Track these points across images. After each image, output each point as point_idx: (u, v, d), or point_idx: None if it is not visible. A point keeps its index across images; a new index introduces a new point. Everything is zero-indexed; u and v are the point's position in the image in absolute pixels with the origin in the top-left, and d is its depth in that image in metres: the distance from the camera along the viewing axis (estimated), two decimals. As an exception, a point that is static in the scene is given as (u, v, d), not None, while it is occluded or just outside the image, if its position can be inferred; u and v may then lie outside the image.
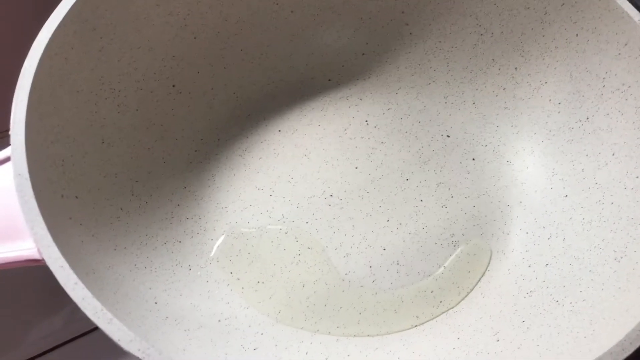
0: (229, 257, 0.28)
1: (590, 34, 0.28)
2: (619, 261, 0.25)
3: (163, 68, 0.29)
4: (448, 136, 0.32)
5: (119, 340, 0.19)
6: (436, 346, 0.26)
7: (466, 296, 0.28)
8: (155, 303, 0.24)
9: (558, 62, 0.30)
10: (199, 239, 0.28)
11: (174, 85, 0.30)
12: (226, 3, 0.30)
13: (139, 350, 0.19)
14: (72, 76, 0.25)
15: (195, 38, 0.30)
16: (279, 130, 0.32)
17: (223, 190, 0.30)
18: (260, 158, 0.31)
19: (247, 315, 0.26)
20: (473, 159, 0.31)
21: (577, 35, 0.29)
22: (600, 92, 0.28)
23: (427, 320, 0.27)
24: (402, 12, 0.32)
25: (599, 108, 0.28)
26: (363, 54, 0.33)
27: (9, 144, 0.22)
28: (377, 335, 0.27)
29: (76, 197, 0.24)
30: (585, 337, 0.22)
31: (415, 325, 0.27)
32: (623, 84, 0.27)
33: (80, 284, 0.19)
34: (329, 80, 0.33)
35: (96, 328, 0.33)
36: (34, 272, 0.33)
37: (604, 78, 0.28)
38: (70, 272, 0.19)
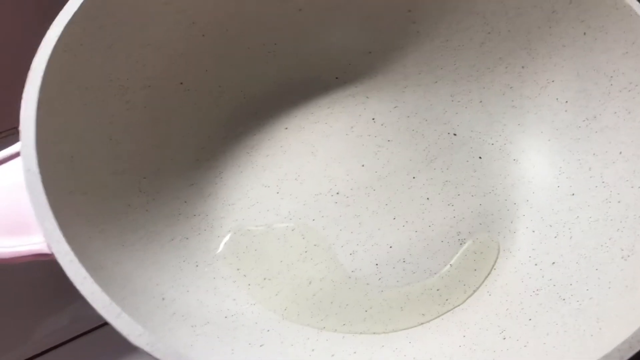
0: (236, 254, 0.28)
1: (597, 32, 0.28)
2: (625, 259, 0.25)
3: (171, 66, 0.30)
4: (455, 134, 0.32)
5: (127, 334, 0.19)
6: (442, 344, 0.26)
7: (472, 294, 0.28)
8: (163, 299, 0.24)
9: (565, 60, 0.30)
10: (205, 235, 0.29)
11: (181, 83, 0.30)
12: (234, 1, 0.30)
13: (147, 344, 0.19)
14: (80, 73, 0.25)
15: (203, 36, 0.30)
16: (286, 128, 0.32)
17: (230, 187, 0.30)
18: (267, 155, 0.31)
19: (253, 311, 0.27)
20: (480, 157, 0.31)
21: (584, 33, 0.29)
22: (608, 91, 0.28)
23: (434, 318, 0.27)
24: (409, 11, 0.32)
25: (606, 106, 0.28)
26: (370, 52, 0.33)
27: (16, 141, 0.22)
28: (383, 332, 0.27)
29: (84, 194, 0.24)
30: (592, 335, 0.22)
31: (422, 323, 0.27)
32: (630, 83, 0.27)
33: (90, 279, 0.19)
34: (336, 78, 0.33)
35: (101, 326, 0.33)
36: (40, 269, 0.33)
37: (611, 76, 0.28)
38: (80, 266, 0.19)
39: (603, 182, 0.28)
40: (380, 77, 0.33)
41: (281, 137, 0.32)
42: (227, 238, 0.29)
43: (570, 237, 0.27)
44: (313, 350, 0.25)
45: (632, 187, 0.26)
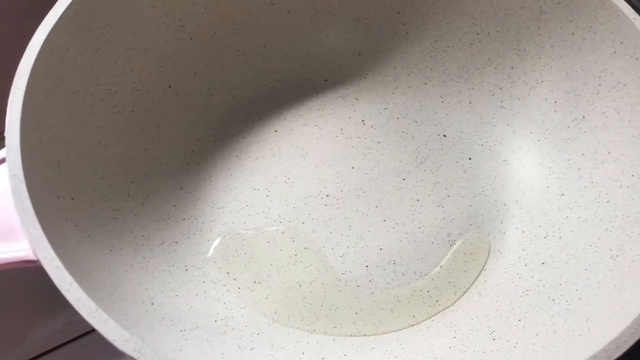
0: (226, 257, 0.28)
1: (585, 33, 0.28)
2: (614, 259, 0.25)
3: (159, 69, 0.30)
4: (444, 136, 0.32)
5: (114, 340, 0.19)
6: (433, 345, 0.26)
7: (462, 295, 0.28)
8: (152, 304, 0.24)
9: (554, 60, 0.30)
10: (195, 239, 0.28)
11: (170, 86, 0.30)
12: (222, 4, 0.30)
13: (134, 350, 0.19)
14: (67, 77, 0.25)
15: (191, 39, 0.30)
16: (276, 131, 0.32)
17: (219, 190, 0.30)
18: (257, 158, 0.31)
19: (243, 315, 0.26)
20: (469, 158, 0.31)
21: (572, 33, 0.29)
22: (596, 91, 0.28)
23: (424, 319, 0.27)
24: (398, 12, 0.32)
25: (594, 107, 0.28)
26: (359, 53, 0.33)
27: (4, 146, 0.22)
28: (374, 334, 0.27)
29: (72, 199, 0.24)
30: (581, 335, 0.22)
31: (412, 325, 0.27)
32: (619, 82, 0.27)
33: (75, 285, 0.19)
34: (326, 80, 0.33)
35: (94, 330, 0.33)
36: (34, 273, 0.33)
37: (599, 76, 0.28)
38: (66, 272, 0.19)
39: (592, 182, 0.28)
40: (369, 78, 0.33)
41: (271, 140, 0.32)
42: (216, 242, 0.29)
43: (560, 238, 0.27)
44: (303, 353, 0.25)
45: (620, 187, 0.26)
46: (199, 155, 0.30)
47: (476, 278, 0.28)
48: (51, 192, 0.23)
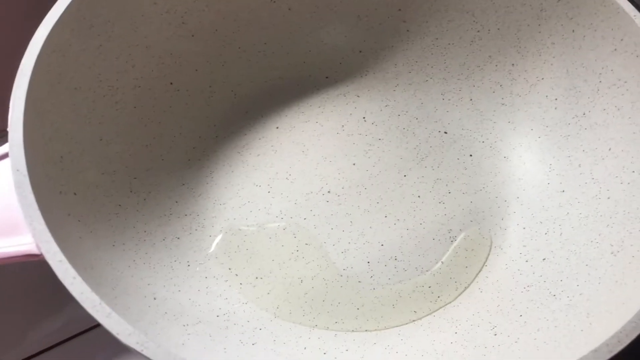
0: (228, 253, 0.28)
1: (586, 30, 0.28)
2: (615, 255, 0.25)
3: (161, 66, 0.30)
4: (445, 132, 0.32)
5: (117, 333, 0.19)
6: (434, 341, 0.26)
7: (464, 291, 0.28)
8: (154, 299, 0.24)
9: (554, 58, 0.30)
10: (197, 235, 0.29)
11: (171, 83, 0.30)
12: (224, 1, 0.30)
13: (137, 343, 0.19)
14: (69, 73, 0.25)
15: (192, 36, 0.30)
16: (277, 127, 0.32)
17: (221, 187, 0.30)
18: (258, 155, 0.31)
19: (245, 310, 0.27)
20: (470, 155, 0.32)
21: (573, 31, 0.29)
22: (597, 88, 0.28)
23: (425, 315, 0.27)
24: (399, 10, 0.32)
25: (595, 103, 0.28)
26: (360, 51, 0.33)
27: (7, 142, 0.22)
28: (375, 330, 0.27)
29: (74, 194, 0.24)
30: (582, 330, 0.23)
31: (413, 320, 0.27)
32: (619, 79, 0.27)
33: (79, 278, 0.19)
34: (327, 77, 0.33)
35: (97, 326, 0.33)
36: (36, 270, 0.33)
37: (600, 74, 0.28)
38: (69, 266, 0.19)
39: (593, 178, 0.28)
40: (370, 76, 0.33)
41: (272, 137, 0.32)
42: (218, 238, 0.29)
43: (561, 234, 0.28)
44: (305, 348, 0.25)
45: (621, 183, 0.26)
46: (201, 152, 0.30)
47: (477, 274, 0.28)
48: (54, 187, 0.23)
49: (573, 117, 0.29)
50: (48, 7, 0.25)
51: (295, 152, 0.31)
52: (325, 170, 0.31)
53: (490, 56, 0.32)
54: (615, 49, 0.27)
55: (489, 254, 0.29)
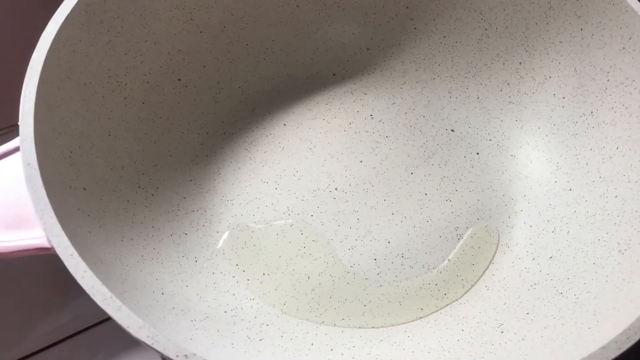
0: (235, 249, 0.28)
1: (594, 28, 0.28)
2: (622, 253, 0.25)
3: (169, 62, 0.30)
4: (452, 130, 0.32)
5: (128, 327, 0.19)
6: (441, 338, 0.26)
7: (470, 289, 0.28)
8: (162, 293, 0.24)
9: (562, 56, 0.30)
10: (204, 231, 0.29)
11: (179, 79, 0.30)
12: (232, -2, 0.31)
13: (148, 337, 0.19)
14: (79, 69, 0.25)
15: (201, 32, 0.30)
16: (284, 124, 0.32)
17: (228, 183, 0.30)
18: (266, 152, 0.31)
19: (252, 306, 0.27)
20: (477, 153, 0.32)
21: (581, 29, 0.29)
22: (605, 86, 0.28)
23: (432, 312, 0.27)
24: (407, 7, 0.32)
25: (603, 102, 0.28)
26: (368, 48, 0.33)
27: (13, 138, 0.22)
28: (382, 327, 0.27)
29: (84, 189, 0.24)
30: (589, 327, 0.23)
31: (420, 317, 0.27)
32: (627, 78, 0.27)
33: (90, 272, 0.19)
34: (334, 74, 0.33)
35: (100, 323, 0.33)
36: (40, 267, 0.33)
37: (608, 72, 0.28)
38: (80, 260, 0.19)
39: (600, 177, 0.28)
40: (378, 73, 0.33)
41: (279, 134, 0.32)
42: (226, 234, 0.29)
43: (568, 232, 0.28)
44: (312, 344, 0.25)
45: (629, 181, 0.26)
46: (208, 148, 0.31)
47: (484, 272, 0.28)
48: (63, 182, 0.23)
49: (581, 116, 0.29)
50: (58, 2, 0.25)
51: (303, 149, 0.31)
52: (332, 167, 0.31)
53: (497, 54, 0.32)
54: (624, 48, 0.27)
55: (495, 252, 0.29)
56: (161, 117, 0.29)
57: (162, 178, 0.29)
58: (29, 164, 0.21)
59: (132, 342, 0.32)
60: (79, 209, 0.23)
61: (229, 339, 0.24)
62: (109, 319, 0.32)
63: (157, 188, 0.28)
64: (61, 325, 0.33)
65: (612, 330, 0.21)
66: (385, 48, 0.33)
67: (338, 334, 0.26)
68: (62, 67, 0.24)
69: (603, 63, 0.28)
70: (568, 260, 0.27)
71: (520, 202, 0.30)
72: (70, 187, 0.24)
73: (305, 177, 0.30)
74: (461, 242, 0.29)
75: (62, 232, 0.20)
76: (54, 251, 0.20)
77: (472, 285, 0.28)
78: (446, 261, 0.29)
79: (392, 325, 0.27)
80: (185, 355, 0.19)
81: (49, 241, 0.20)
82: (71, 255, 0.20)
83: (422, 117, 0.32)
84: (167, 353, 0.19)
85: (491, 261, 0.29)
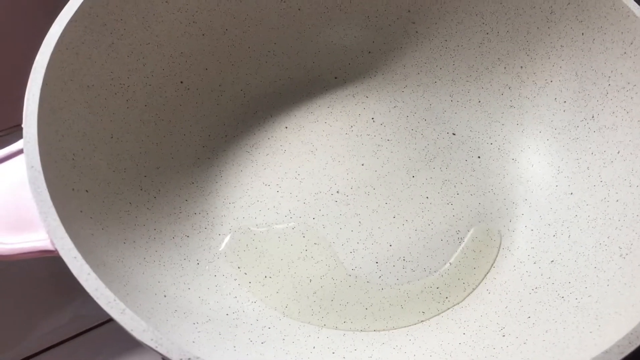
0: (237, 252, 0.28)
1: (595, 33, 0.28)
2: (624, 258, 0.25)
3: (171, 64, 0.30)
4: (454, 134, 0.32)
5: (132, 330, 0.19)
6: (442, 341, 0.26)
7: (472, 292, 0.28)
8: (165, 296, 0.24)
9: (563, 61, 0.30)
10: (206, 233, 0.29)
11: (182, 82, 0.30)
12: (234, 0, 0.31)
13: (152, 340, 0.19)
14: (82, 71, 0.25)
15: (203, 35, 0.30)
16: (286, 127, 0.32)
17: (230, 185, 0.30)
18: (267, 154, 0.31)
19: (254, 309, 0.27)
20: (478, 157, 0.32)
21: (582, 34, 0.29)
22: (606, 91, 0.28)
23: (433, 315, 0.27)
24: (409, 11, 0.32)
25: (604, 106, 0.28)
26: (369, 52, 0.33)
27: (15, 140, 0.22)
28: (384, 330, 0.27)
29: (86, 191, 0.24)
30: (591, 332, 0.23)
31: (422, 321, 0.27)
32: (628, 83, 0.27)
33: (93, 275, 0.19)
34: (336, 77, 0.33)
35: (100, 325, 0.33)
36: (41, 268, 0.33)
37: (609, 77, 0.28)
38: (83, 262, 0.19)
39: (601, 181, 0.28)
40: (379, 76, 0.33)
41: (281, 136, 0.32)
42: (228, 236, 0.29)
43: (569, 236, 0.28)
44: (314, 347, 0.25)
45: (630, 186, 0.26)
46: (210, 151, 0.31)
47: (485, 275, 0.28)
48: (66, 184, 0.23)
49: (582, 120, 0.29)
50: (62, 4, 0.25)
51: (304, 152, 0.31)
52: (333, 170, 0.31)
53: (499, 58, 0.32)
54: (625, 52, 0.27)
55: (497, 255, 0.29)
56: (163, 119, 0.29)
57: (164, 180, 0.29)
58: (32, 166, 0.21)
59: (131, 344, 0.32)
60: (81, 211, 0.23)
61: (231, 342, 0.24)
62: (108, 321, 0.33)
63: (159, 190, 0.28)
64: (61, 326, 0.33)
65: (613, 335, 0.21)
66: (387, 51, 0.33)
67: (340, 337, 0.26)
68: (65, 69, 0.24)
69: (604, 67, 0.28)
70: (569, 264, 0.27)
71: (521, 205, 0.30)
72: (73, 189, 0.24)
73: (306, 180, 0.31)
74: (462, 245, 0.29)
75: (66, 235, 0.20)
76: (58, 253, 0.20)
77: (474, 289, 0.28)
78: (447, 264, 0.29)
79: (394, 328, 0.27)
80: (189, 359, 0.19)
81: (53, 244, 0.20)
82: (75, 257, 0.20)
83: (423, 120, 0.33)
84: (171, 356, 0.19)
85: (492, 265, 0.29)
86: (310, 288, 0.28)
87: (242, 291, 0.27)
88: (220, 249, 0.28)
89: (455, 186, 0.31)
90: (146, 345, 0.19)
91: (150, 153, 0.29)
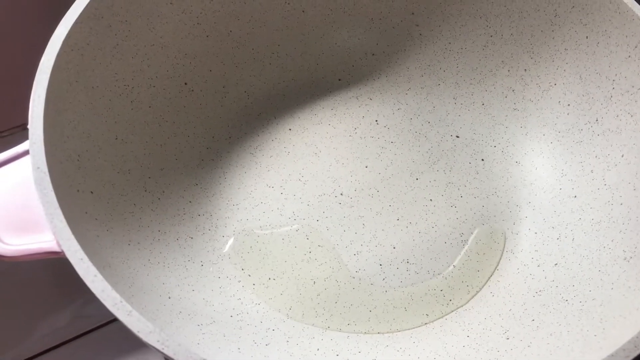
0: (241, 254, 0.28)
1: (600, 36, 0.28)
2: (628, 261, 0.25)
3: (176, 66, 0.30)
4: (457, 136, 0.32)
5: (138, 331, 0.19)
6: (446, 344, 0.26)
7: (476, 295, 0.28)
8: (169, 297, 0.24)
9: (567, 64, 0.30)
10: (210, 235, 0.29)
11: (186, 83, 0.30)
12: (238, 2, 0.31)
13: (158, 341, 0.19)
14: (87, 72, 0.25)
15: (207, 36, 0.30)
16: (290, 129, 0.32)
17: (234, 187, 0.30)
18: (271, 156, 0.31)
19: (258, 311, 0.27)
20: (482, 160, 0.32)
21: (587, 37, 0.29)
22: (610, 94, 0.28)
23: (437, 318, 0.27)
24: (412, 14, 0.33)
25: (608, 110, 0.29)
26: (373, 54, 0.33)
27: (17, 140, 0.22)
28: (388, 332, 0.27)
29: (91, 192, 0.24)
30: (595, 335, 0.23)
31: (426, 323, 0.27)
32: (633, 86, 0.27)
33: (100, 276, 0.19)
34: (339, 79, 0.33)
35: (102, 326, 0.33)
36: (42, 269, 0.33)
37: (613, 80, 0.28)
38: (90, 264, 0.19)
39: (605, 184, 0.28)
40: (383, 79, 0.33)
41: (285, 138, 0.32)
42: (231, 238, 0.29)
43: (573, 239, 0.28)
44: (318, 349, 0.25)
45: (634, 189, 0.27)
46: (214, 152, 0.31)
47: (489, 278, 0.28)
48: (71, 185, 0.23)
49: (586, 123, 0.29)
50: (67, 6, 0.25)
51: (308, 154, 0.31)
52: (337, 172, 0.31)
53: (502, 61, 0.32)
54: (629, 56, 0.27)
55: (500, 258, 0.29)
56: (167, 120, 0.29)
57: (168, 182, 0.29)
58: (38, 167, 0.21)
59: (133, 345, 0.32)
60: (86, 213, 0.23)
61: (236, 344, 0.24)
62: (110, 321, 0.33)
63: (164, 192, 0.28)
64: (61, 327, 0.33)
65: (618, 338, 0.21)
66: (391, 54, 0.33)
67: (344, 339, 0.26)
68: (70, 70, 0.24)
69: (608, 71, 0.28)
70: (573, 267, 0.27)
71: (525, 208, 0.30)
72: (78, 190, 0.24)
73: (310, 182, 0.31)
74: (466, 248, 0.29)
75: (72, 236, 0.20)
76: (64, 255, 0.20)
77: (478, 292, 0.28)
78: (451, 267, 0.29)
79: (398, 330, 0.27)
80: (195, 360, 0.19)
81: (59, 245, 0.20)
82: (81, 259, 0.20)
83: (427, 122, 0.33)
84: (177, 358, 0.19)
85: (496, 267, 0.29)
86: (314, 290, 0.28)
87: (246, 293, 0.27)
88: (224, 251, 0.28)
89: (458, 189, 0.31)
90: (152, 347, 0.19)
91: (155, 154, 0.29)
